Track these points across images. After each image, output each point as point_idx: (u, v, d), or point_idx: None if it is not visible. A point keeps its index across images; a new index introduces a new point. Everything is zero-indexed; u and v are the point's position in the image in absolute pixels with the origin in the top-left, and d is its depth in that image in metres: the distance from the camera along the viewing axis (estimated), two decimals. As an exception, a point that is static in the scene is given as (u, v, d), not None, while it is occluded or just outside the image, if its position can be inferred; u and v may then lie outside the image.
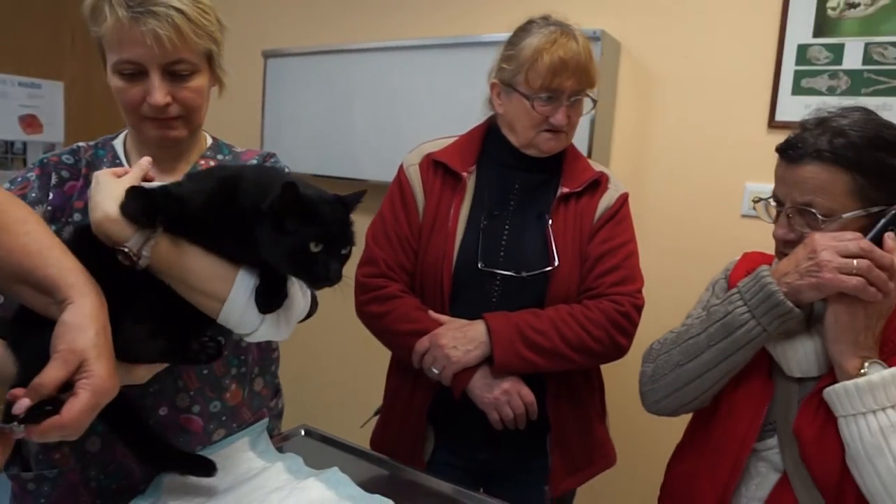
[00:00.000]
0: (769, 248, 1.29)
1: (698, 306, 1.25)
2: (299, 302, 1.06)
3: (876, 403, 0.92)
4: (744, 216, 1.94)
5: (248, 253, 0.93)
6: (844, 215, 1.01)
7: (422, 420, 1.43)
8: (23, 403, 0.68)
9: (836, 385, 0.96)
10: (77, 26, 2.93)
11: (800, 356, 1.04)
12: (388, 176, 1.54)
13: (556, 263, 1.33)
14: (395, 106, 2.38)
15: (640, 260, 2.08)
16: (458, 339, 1.30)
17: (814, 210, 1.02)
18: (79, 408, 0.70)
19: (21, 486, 1.08)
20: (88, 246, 0.90)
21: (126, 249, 0.87)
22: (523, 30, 1.35)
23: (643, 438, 1.86)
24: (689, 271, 2.01)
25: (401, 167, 1.48)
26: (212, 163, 1.19)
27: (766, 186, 1.87)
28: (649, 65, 2.05)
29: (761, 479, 1.06)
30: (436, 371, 1.31)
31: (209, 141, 1.23)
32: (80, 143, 1.15)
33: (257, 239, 0.89)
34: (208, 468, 1.02)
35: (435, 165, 1.43)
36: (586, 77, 1.33)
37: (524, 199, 1.40)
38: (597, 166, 1.46)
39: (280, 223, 0.86)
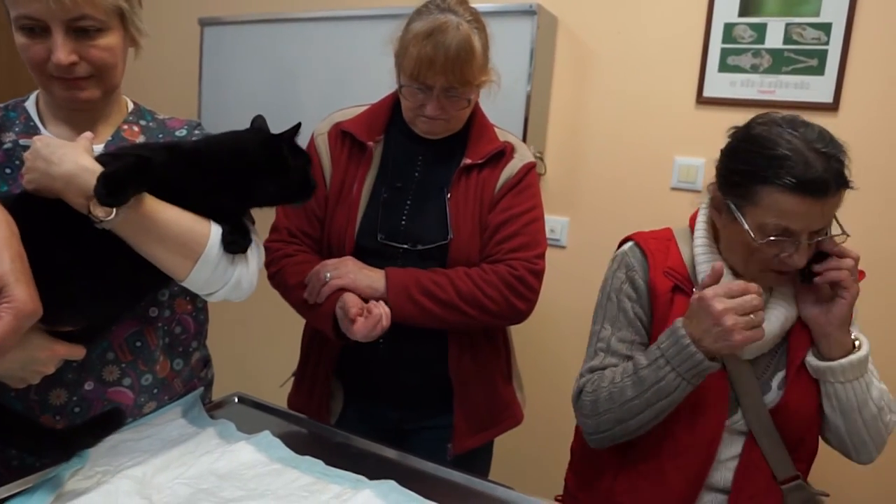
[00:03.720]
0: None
1: (605, 295, 1.30)
2: (258, 253, 1.10)
3: (865, 369, 1.15)
4: (673, 189, 2.02)
5: (231, 204, 1.04)
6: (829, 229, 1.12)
7: (328, 378, 1.46)
8: None
9: (844, 360, 1.14)
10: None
11: (761, 344, 1.15)
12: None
13: (450, 237, 1.35)
14: (338, 76, 2.37)
15: (574, 230, 2.16)
16: (363, 271, 1.33)
17: (828, 229, 1.11)
18: (2, 329, 0.75)
19: None
20: (23, 213, 0.89)
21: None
22: (418, 11, 1.32)
23: (555, 398, 1.94)
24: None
25: (311, 136, 1.46)
26: (135, 128, 1.17)
27: (694, 160, 1.97)
28: (584, 39, 2.09)
29: (729, 443, 1.20)
30: (327, 276, 1.31)
31: (130, 106, 1.20)
32: None
33: (256, 185, 1.04)
34: (118, 418, 1.02)
35: (342, 135, 1.42)
36: (457, 74, 1.27)
37: (428, 170, 1.41)
38: (505, 135, 1.45)
39: (286, 162, 1.05)
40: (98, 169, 0.91)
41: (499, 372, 1.50)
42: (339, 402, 1.49)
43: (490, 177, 1.39)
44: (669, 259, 1.25)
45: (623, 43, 2.04)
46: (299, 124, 1.08)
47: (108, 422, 1.00)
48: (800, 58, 1.82)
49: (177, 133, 1.20)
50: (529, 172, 1.43)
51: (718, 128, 1.93)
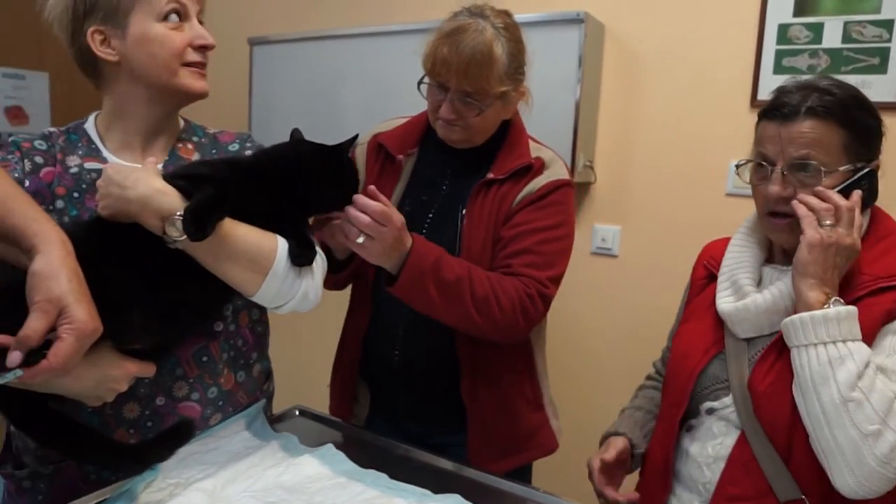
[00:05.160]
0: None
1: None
2: (322, 264, 1.12)
3: (828, 336, 0.98)
4: (728, 195, 1.97)
5: (293, 214, 1.08)
6: (840, 168, 1.07)
7: (351, 381, 1.46)
8: (15, 357, 0.73)
9: (795, 315, 1.01)
10: (60, 16, 2.91)
11: (751, 318, 1.10)
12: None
13: (458, 254, 1.31)
14: (384, 91, 2.38)
15: (626, 239, 2.12)
16: (400, 238, 1.18)
17: (812, 162, 1.06)
18: (64, 351, 0.74)
19: (16, 484, 1.08)
20: (95, 237, 0.93)
21: (179, 216, 0.91)
22: (452, 14, 1.31)
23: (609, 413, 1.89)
24: (676, 251, 2.04)
25: (354, 147, 1.46)
26: (189, 145, 1.19)
27: (750, 164, 1.92)
28: (633, 46, 2.06)
29: (722, 438, 1.11)
30: (360, 241, 1.15)
31: (182, 123, 1.22)
32: (51, 129, 1.13)
33: (319, 193, 1.10)
34: (187, 430, 1.02)
35: (378, 147, 1.43)
36: (470, 79, 1.23)
37: (454, 184, 1.38)
38: (540, 151, 1.38)
39: (345, 171, 1.13)
40: (170, 190, 0.94)
41: (521, 398, 1.42)
42: (364, 408, 1.49)
43: (510, 192, 1.33)
44: (716, 250, 1.28)
45: (672, 47, 2.00)
46: (356, 136, 1.14)
47: (178, 434, 1.01)
48: (860, 57, 1.76)
49: (229, 147, 1.22)
50: (557, 190, 1.34)
51: (775, 131, 1.91)
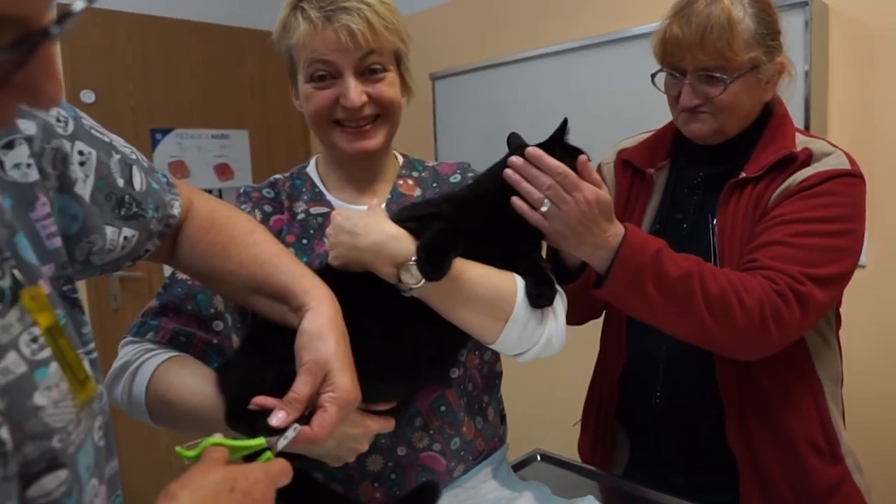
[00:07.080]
0: None
1: None
2: (562, 303, 1.01)
3: None
4: None
5: (523, 244, 0.99)
6: None
7: (608, 428, 1.31)
8: (281, 416, 0.69)
9: None
10: (255, 75, 3.16)
11: None
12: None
13: None
14: (557, 110, 2.32)
15: (875, 247, 1.84)
16: (595, 217, 0.98)
17: None
18: (329, 422, 0.70)
19: None
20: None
21: (414, 262, 0.85)
22: None
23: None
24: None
25: (598, 166, 1.37)
26: (409, 181, 1.15)
27: None
28: (866, 23, 1.80)
29: None
30: (544, 209, 0.96)
31: (401, 159, 1.19)
32: (277, 176, 1.14)
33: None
34: (433, 492, 0.96)
35: (624, 164, 1.32)
36: (708, 50, 1.08)
37: (706, 192, 1.22)
38: (810, 143, 1.14)
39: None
40: (403, 234, 0.88)
41: (809, 445, 1.16)
42: (623, 454, 1.34)
43: (767, 189, 1.12)
44: None
45: (919, 19, 1.72)
46: (566, 121, 0.99)
47: (424, 498, 0.95)
48: None
49: (451, 179, 1.17)
50: (831, 180, 1.08)
51: None
